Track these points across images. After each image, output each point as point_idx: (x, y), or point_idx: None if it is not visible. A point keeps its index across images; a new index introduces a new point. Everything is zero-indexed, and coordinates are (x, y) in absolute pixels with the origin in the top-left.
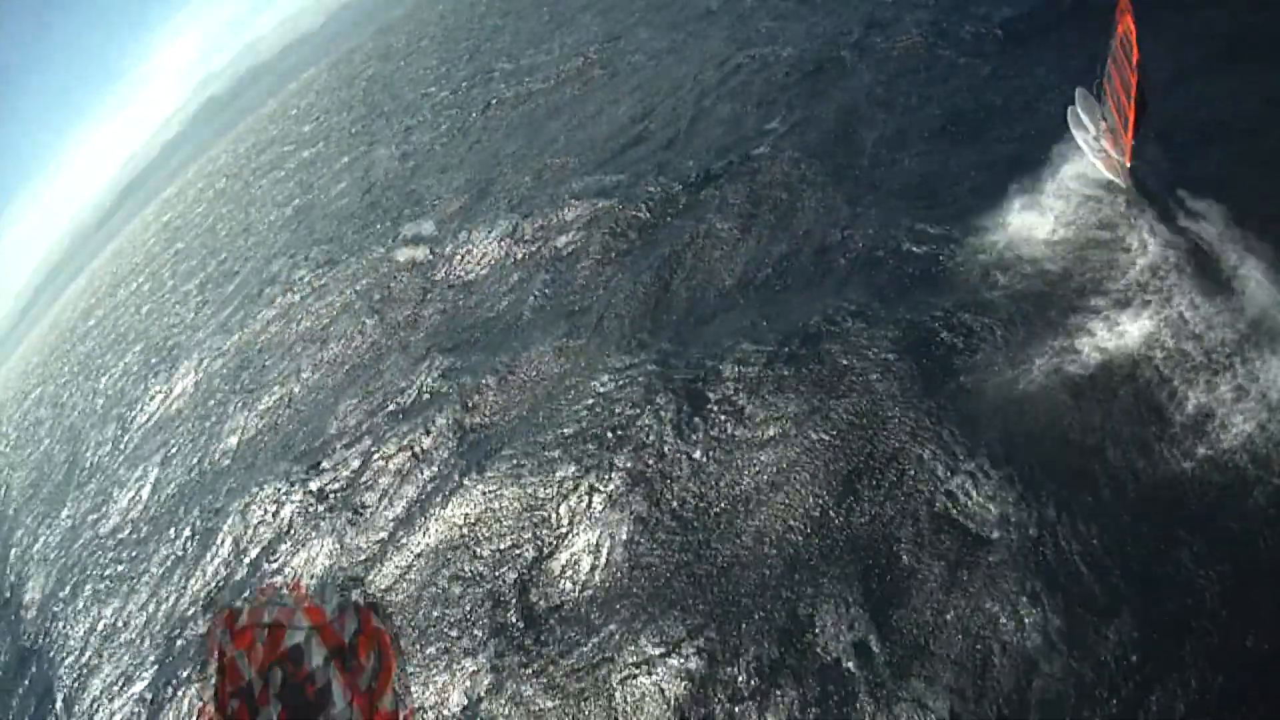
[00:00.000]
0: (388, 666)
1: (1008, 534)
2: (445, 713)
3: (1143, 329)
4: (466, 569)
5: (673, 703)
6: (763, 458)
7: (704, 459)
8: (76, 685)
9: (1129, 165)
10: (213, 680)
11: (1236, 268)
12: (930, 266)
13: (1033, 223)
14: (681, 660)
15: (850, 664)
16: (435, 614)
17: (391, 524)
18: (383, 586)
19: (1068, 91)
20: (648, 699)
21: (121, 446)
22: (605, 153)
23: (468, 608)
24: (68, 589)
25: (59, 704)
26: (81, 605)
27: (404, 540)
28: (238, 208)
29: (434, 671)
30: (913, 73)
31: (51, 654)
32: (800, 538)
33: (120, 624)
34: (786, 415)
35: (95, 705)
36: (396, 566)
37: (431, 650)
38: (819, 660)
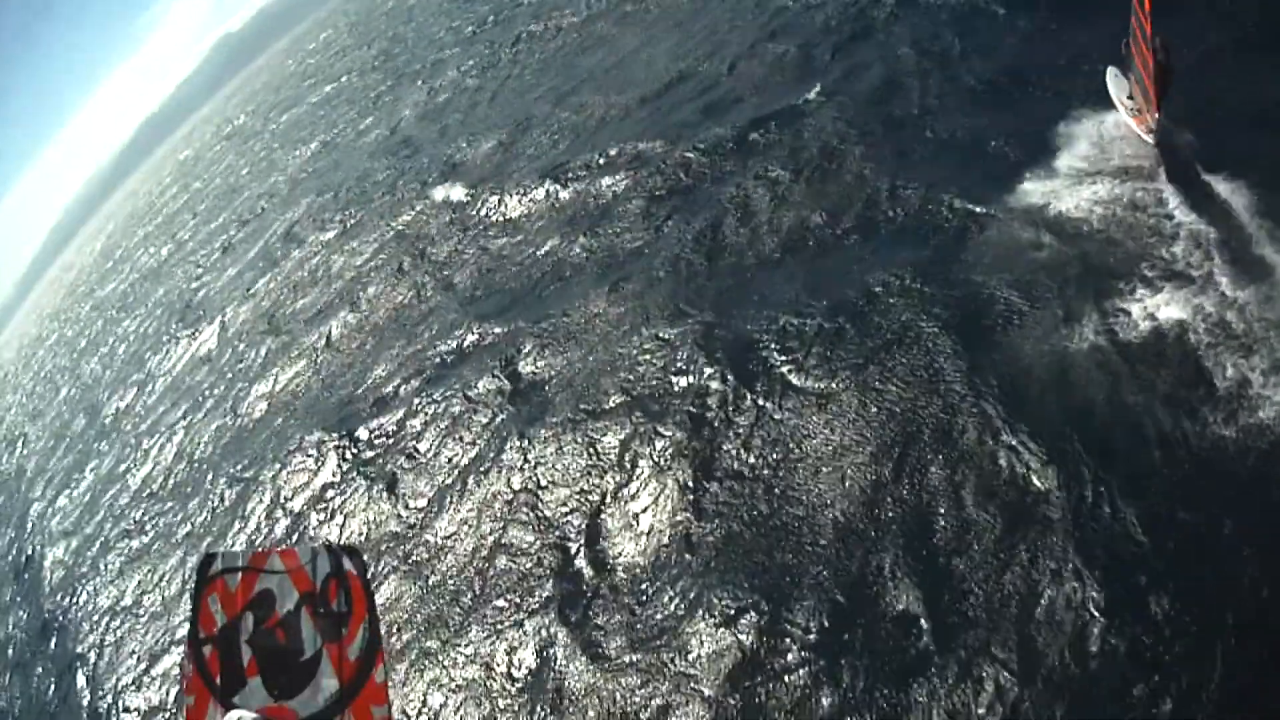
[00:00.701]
0: (358, 611)
1: (1062, 497)
2: (518, 670)
3: (1186, 300)
4: (531, 517)
5: (749, 654)
6: (820, 416)
7: (764, 413)
8: (102, 657)
9: (1154, 141)
10: (187, 628)
11: (1269, 250)
12: (979, 227)
13: (1077, 189)
14: (757, 615)
15: (914, 616)
16: (501, 564)
17: (447, 471)
18: (444, 535)
19: (1113, 48)
20: (727, 651)
21: (146, 394)
22: (645, 94)
23: (535, 558)
24: (94, 550)
25: (83, 677)
26: (107, 568)
27: (462, 489)
28: (259, 144)
29: (503, 625)
30: (957, 23)
31: (76, 622)
32: (860, 496)
33: (149, 589)
34: (843, 376)
35: (122, 678)
36: (455, 516)
37: (500, 602)
38: (884, 614)
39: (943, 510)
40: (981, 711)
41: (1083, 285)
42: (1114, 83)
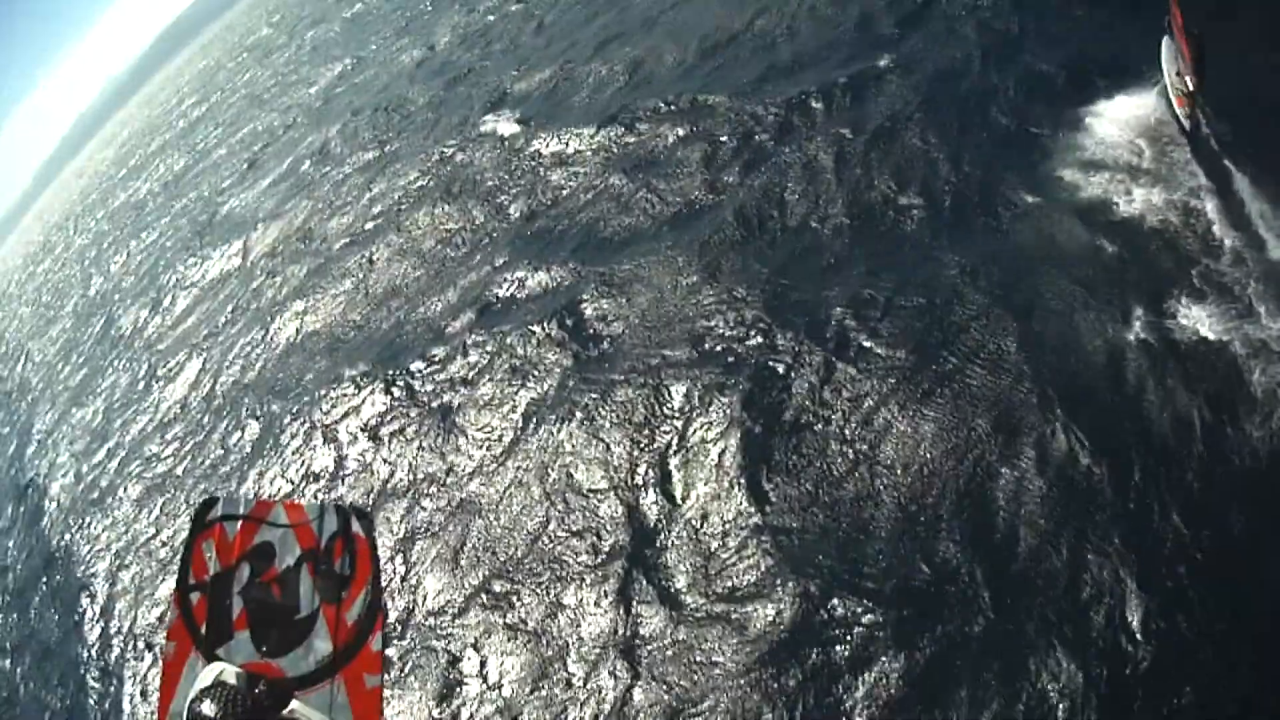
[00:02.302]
0: (361, 575)
1: (1112, 480)
2: (588, 616)
3: (1228, 316)
4: (599, 461)
5: (819, 610)
6: (892, 385)
7: (838, 377)
8: (115, 588)
9: (1189, 127)
10: (177, 572)
11: None
12: (1034, 216)
13: (1128, 187)
14: (829, 572)
15: (977, 585)
16: (568, 508)
17: (509, 411)
18: (508, 475)
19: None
20: (798, 606)
21: (165, 311)
22: (704, 46)
23: (604, 503)
24: (108, 474)
25: (94, 609)
26: (126, 494)
27: (525, 430)
28: (283, 57)
29: (570, 571)
30: (1016, 3)
31: (88, 551)
32: (930, 463)
33: (175, 516)
34: (915, 347)
35: (141, 616)
36: (519, 457)
37: (569, 545)
38: (951, 580)
39: (1004, 484)
40: (1031, 671)
41: (1134, 286)
42: (1167, 55)
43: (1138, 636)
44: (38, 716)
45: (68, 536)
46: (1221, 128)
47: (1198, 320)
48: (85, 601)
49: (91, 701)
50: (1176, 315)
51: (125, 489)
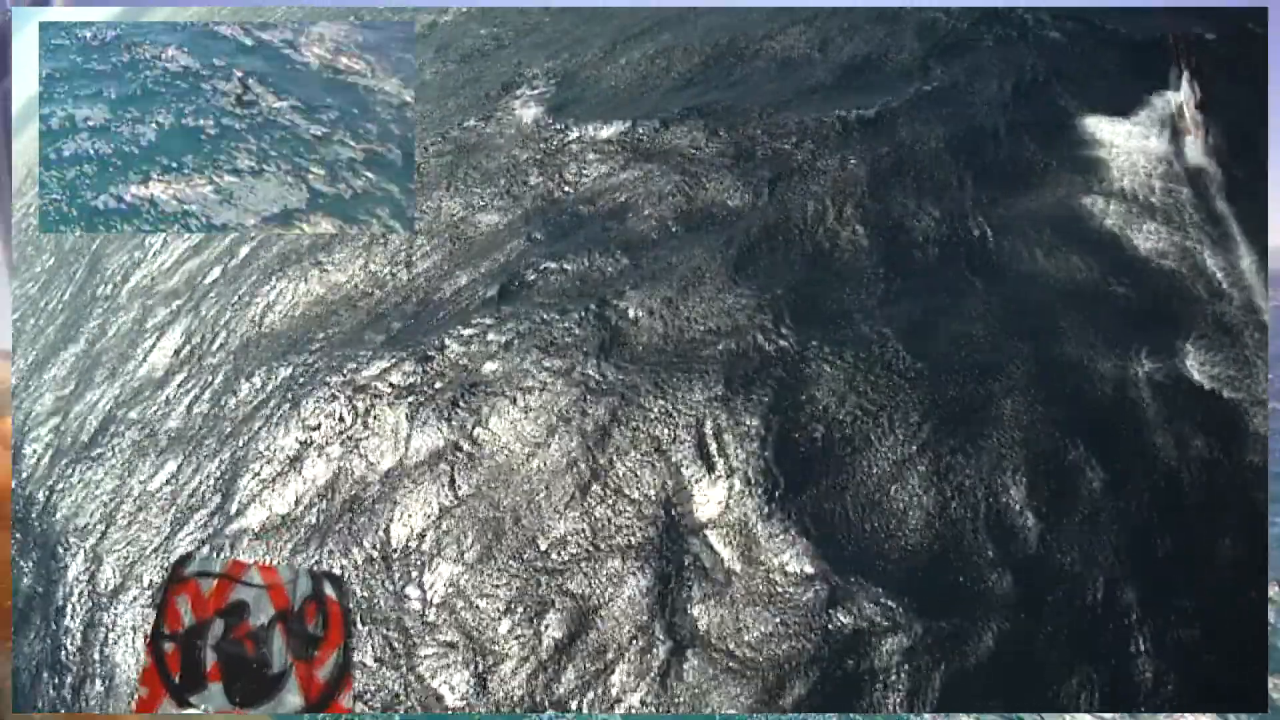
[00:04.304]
0: (332, 637)
1: (1113, 495)
2: (614, 609)
3: (1229, 362)
4: (629, 449)
5: (846, 617)
6: (910, 394)
7: (859, 384)
8: (97, 548)
9: (1201, 151)
10: (151, 621)
11: None
12: (1047, 249)
13: (1138, 226)
14: (846, 572)
15: (990, 601)
16: (599, 499)
17: (535, 399)
18: (532, 464)
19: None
20: (831, 615)
21: (155, 260)
22: (707, 57)
23: (637, 490)
24: (93, 423)
25: (76, 563)
26: (108, 451)
27: (551, 417)
28: None
29: (602, 560)
30: (1047, 48)
31: (68, 504)
32: (944, 468)
33: (154, 479)
34: (935, 360)
35: (120, 574)
36: (544, 449)
37: (600, 535)
38: (967, 598)
39: (1016, 495)
40: (1042, 678)
41: (1142, 325)
42: (1186, 87)
43: (1143, 646)
44: (23, 665)
45: (50, 483)
46: (1227, 159)
47: (1199, 365)
48: (74, 548)
49: (69, 650)
50: (1181, 357)
51: (119, 435)
